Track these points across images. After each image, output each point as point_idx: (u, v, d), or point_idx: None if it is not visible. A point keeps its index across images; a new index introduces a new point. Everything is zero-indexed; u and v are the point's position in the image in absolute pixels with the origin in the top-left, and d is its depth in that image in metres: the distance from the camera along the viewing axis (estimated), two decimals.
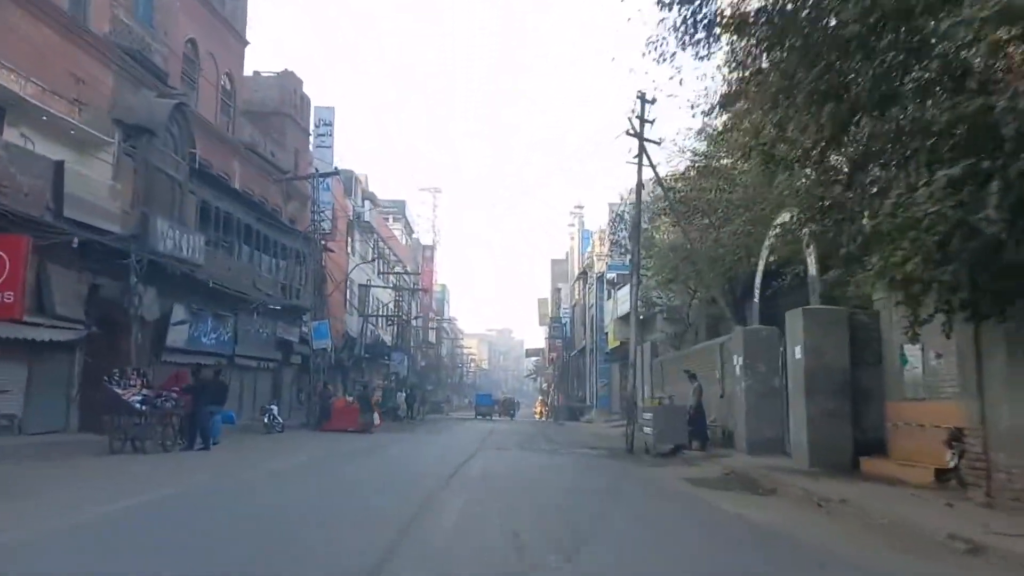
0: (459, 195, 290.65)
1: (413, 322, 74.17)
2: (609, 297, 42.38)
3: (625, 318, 36.77)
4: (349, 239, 47.50)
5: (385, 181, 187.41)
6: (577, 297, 56.53)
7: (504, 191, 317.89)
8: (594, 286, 44.42)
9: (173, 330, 23.80)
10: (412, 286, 58.84)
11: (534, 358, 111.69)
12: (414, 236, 79.24)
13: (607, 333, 42.26)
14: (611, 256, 35.89)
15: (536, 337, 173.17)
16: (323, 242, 34.87)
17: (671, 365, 27.76)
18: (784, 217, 16.90)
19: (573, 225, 66.32)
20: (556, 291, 73.84)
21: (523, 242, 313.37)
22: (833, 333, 14.44)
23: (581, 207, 60.78)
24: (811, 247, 15.42)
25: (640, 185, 20.15)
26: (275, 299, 30.03)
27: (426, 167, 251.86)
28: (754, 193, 18.94)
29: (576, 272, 59.51)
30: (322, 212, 34.99)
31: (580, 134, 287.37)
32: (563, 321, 54.08)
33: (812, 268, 15.50)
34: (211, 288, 25.33)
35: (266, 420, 24.92)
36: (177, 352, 24.11)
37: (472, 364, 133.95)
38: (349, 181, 48.03)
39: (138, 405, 15.40)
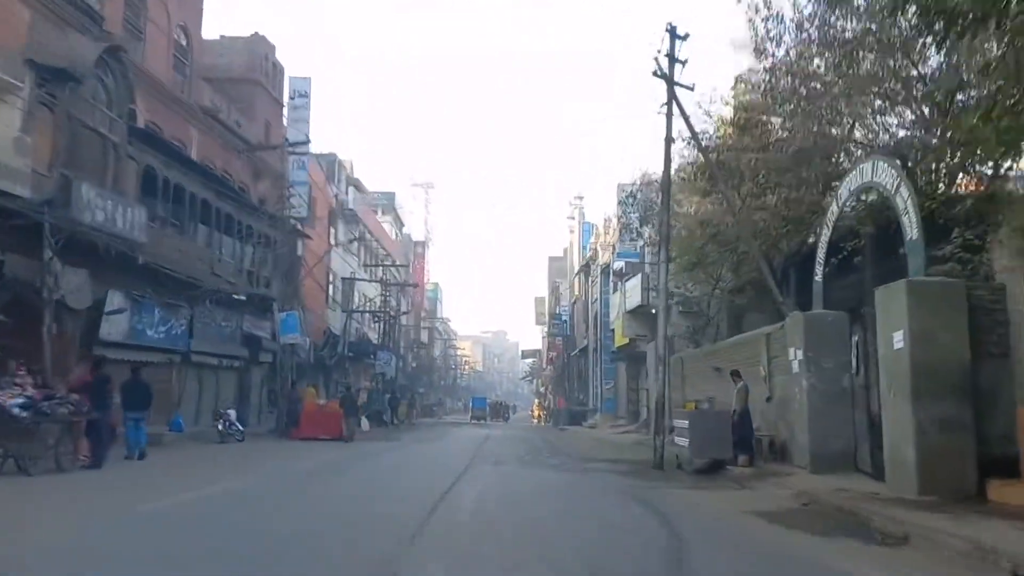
0: (453, 192, 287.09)
1: (403, 320, 70.51)
2: (615, 290, 38.63)
3: (636, 311, 33.09)
4: (332, 230, 43.78)
5: (374, 174, 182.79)
6: (577, 293, 52.78)
7: (500, 187, 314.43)
8: (598, 279, 40.71)
9: (108, 321, 19.98)
10: (401, 281, 55.02)
11: (530, 359, 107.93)
12: (405, 231, 75.47)
13: (613, 330, 38.51)
14: (621, 241, 32.22)
15: (532, 338, 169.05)
16: (297, 226, 31.07)
17: (694, 363, 24.04)
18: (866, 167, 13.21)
19: (573, 218, 62.59)
20: (555, 288, 70.12)
21: (519, 242, 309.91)
22: (947, 314, 10.73)
23: (581, 198, 57.12)
24: (908, 198, 11.72)
25: (669, 139, 16.39)
26: (239, 288, 26.19)
27: (418, 161, 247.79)
28: (814, 143, 15.26)
29: (576, 267, 55.77)
30: (297, 193, 31.21)
31: (581, 117, 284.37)
32: (563, 318, 50.25)
33: (911, 227, 11.75)
34: (158, 272, 21.55)
35: (220, 427, 21.11)
36: (115, 347, 20.29)
37: (466, 366, 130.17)
38: (332, 166, 44.29)
39: (17, 411, 11.58)
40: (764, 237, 17.77)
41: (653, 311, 32.32)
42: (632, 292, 32.56)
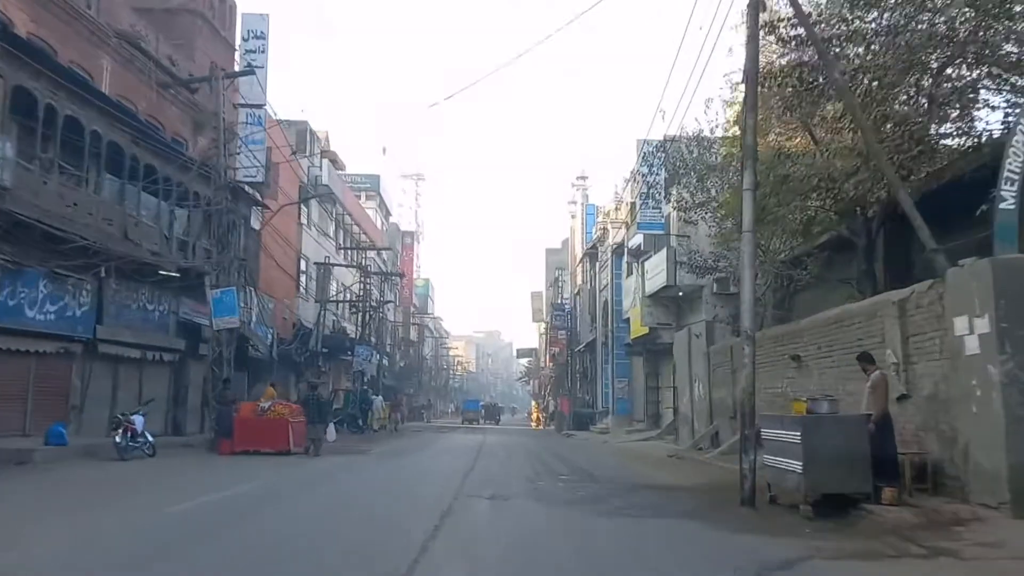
0: (444, 185, 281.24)
1: (390, 315, 64.94)
2: (629, 274, 33.14)
3: (658, 295, 27.64)
4: (304, 209, 38.26)
5: (359, 163, 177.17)
6: (581, 283, 47.27)
7: (493, 178, 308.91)
8: (608, 262, 35.23)
9: None
10: (386, 269, 49.46)
11: (526, 359, 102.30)
12: (392, 220, 69.90)
13: (627, 320, 33.04)
14: (644, 208, 26.71)
15: (528, 336, 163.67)
16: (247, 189, 25.51)
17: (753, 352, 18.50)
18: None
19: (575, 203, 57.13)
20: (554, 280, 64.64)
21: (513, 239, 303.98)
22: None
23: (584, 178, 51.68)
24: None
25: (756, 16, 10.77)
26: (165, 260, 20.57)
27: (407, 152, 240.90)
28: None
29: (580, 253, 50.25)
30: (251, 154, 25.62)
31: (582, 90, 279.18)
32: (565, 308, 44.56)
33: None
34: (37, 230, 15.98)
35: (118, 439, 15.52)
36: None
37: (459, 367, 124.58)
38: (304, 135, 38.69)
39: None
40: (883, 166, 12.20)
41: (681, 292, 26.90)
42: (654, 272, 27.08)
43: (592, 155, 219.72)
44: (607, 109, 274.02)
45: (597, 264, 39.10)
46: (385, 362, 63.63)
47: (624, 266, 34.28)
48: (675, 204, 23.20)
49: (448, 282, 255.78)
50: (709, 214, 21.49)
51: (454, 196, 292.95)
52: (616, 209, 35.72)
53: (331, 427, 20.20)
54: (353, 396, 36.23)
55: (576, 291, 44.92)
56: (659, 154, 23.73)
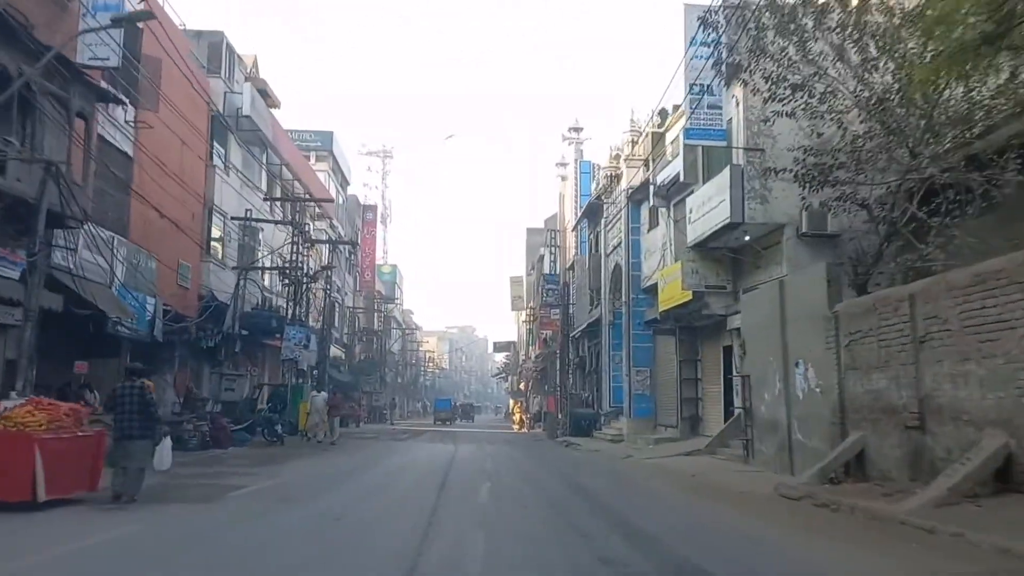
0: (414, 169, 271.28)
1: (348, 300, 55.86)
2: (654, 225, 24.47)
3: (708, 245, 18.93)
4: (221, 149, 29.21)
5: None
6: (576, 255, 38.48)
7: (467, 155, 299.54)
8: (622, 215, 26.34)
9: None
10: (333, 236, 40.40)
11: (503, 353, 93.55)
12: (350, 193, 60.70)
13: (651, 289, 24.37)
14: (692, 117, 17.86)
15: (507, 329, 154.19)
16: (89, 77, 16.39)
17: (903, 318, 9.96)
18: None
19: (564, 164, 48.38)
20: (539, 259, 55.85)
21: (489, 230, 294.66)
22: None
23: (579, 129, 42.78)
24: None
25: None
26: None
27: (373, 127, 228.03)
28: None
29: (573, 219, 41.49)
30: (96, 20, 16.49)
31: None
32: (556, 279, 35.34)
33: None
34: None
35: None
36: None
37: (430, 363, 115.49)
38: (218, 49, 29.55)
39: None
40: None
41: (747, 236, 18.21)
42: (704, 208, 18.34)
43: (584, 109, 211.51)
44: (596, 61, 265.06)
45: (603, 222, 30.28)
46: (341, 354, 54.66)
47: (644, 216, 25.54)
48: (755, 88, 14.46)
49: (419, 274, 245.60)
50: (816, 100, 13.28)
51: (425, 181, 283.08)
52: (632, 142, 26.93)
53: (165, 445, 11.34)
54: (281, 393, 27.21)
55: (569, 265, 36.16)
56: (727, 13, 15.03)
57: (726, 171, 17.39)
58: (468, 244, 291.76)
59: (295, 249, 29.57)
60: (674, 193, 21.94)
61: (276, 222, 30.17)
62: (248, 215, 29.33)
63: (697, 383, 22.31)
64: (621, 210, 27.05)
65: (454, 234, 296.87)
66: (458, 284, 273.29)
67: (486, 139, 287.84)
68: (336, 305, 54.60)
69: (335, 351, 53.17)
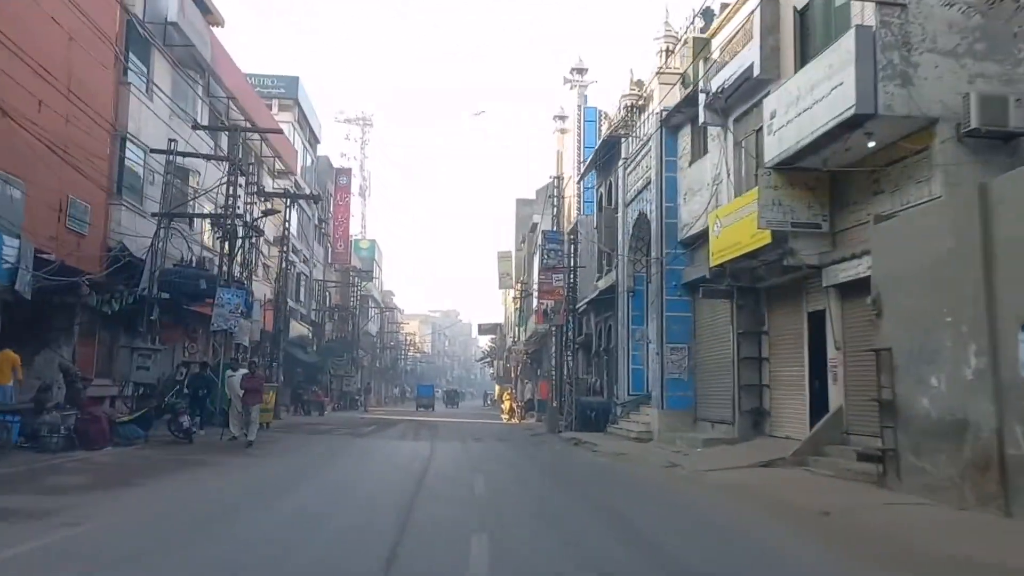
0: (394, 143, 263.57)
1: (317, 273, 49.55)
2: (701, 154, 18.44)
3: (798, 163, 12.84)
4: (143, 68, 23.13)
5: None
6: (579, 214, 32.38)
7: (452, 133, 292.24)
8: (653, 148, 20.00)
9: None
10: (291, 189, 34.12)
11: (488, 336, 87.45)
12: (321, 154, 54.17)
13: (687, 244, 18.35)
14: None
15: (493, 311, 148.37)
16: None
17: None
18: None
19: (565, 117, 42.42)
20: (532, 228, 49.88)
21: (475, 209, 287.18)
22: None
23: (583, 70, 36.56)
24: None
25: None
26: None
27: (352, 92, 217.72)
28: None
29: (576, 175, 35.49)
30: None
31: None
32: (558, 237, 28.62)
33: None
34: None
35: None
36: None
37: (411, 348, 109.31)
38: None
39: None
40: None
41: (872, 142, 12.13)
42: (799, 108, 12.24)
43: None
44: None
45: (619, 167, 24.11)
46: (308, 332, 48.38)
47: (684, 145, 19.43)
48: None
49: (402, 256, 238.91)
50: None
51: (409, 165, 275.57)
52: (666, 50, 20.78)
53: None
54: (206, 376, 20.94)
55: (569, 230, 29.93)
56: None
57: (848, 38, 11.29)
58: (453, 227, 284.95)
59: (231, 190, 23.19)
60: (737, 102, 15.87)
61: (211, 157, 23.76)
62: (172, 147, 22.98)
63: (761, 364, 16.32)
64: (648, 143, 20.92)
65: (439, 217, 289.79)
66: (442, 265, 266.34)
67: (475, 128, 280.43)
68: (303, 277, 48.37)
69: (299, 328, 46.95)
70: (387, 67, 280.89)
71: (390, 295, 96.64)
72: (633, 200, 22.67)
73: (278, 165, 38.83)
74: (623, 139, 23.69)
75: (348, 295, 59.51)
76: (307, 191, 47.89)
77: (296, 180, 43.35)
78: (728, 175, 16.38)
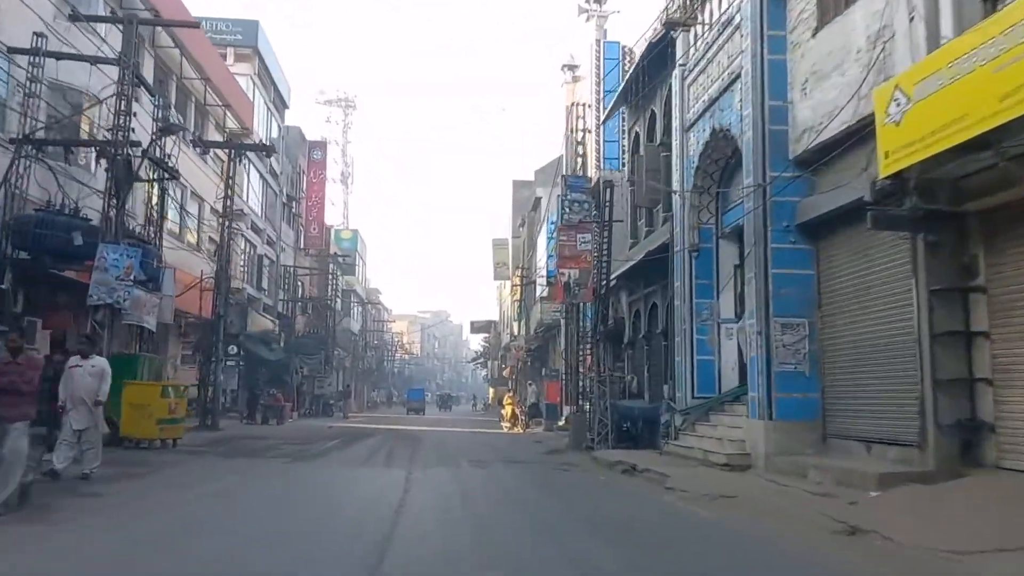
0: (380, 129, 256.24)
1: (287, 258, 42.43)
2: (828, 21, 11.39)
3: None
4: None
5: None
6: (599, 168, 25.45)
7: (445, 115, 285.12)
8: (747, 28, 13.08)
9: None
10: (266, 169, 27.03)
11: (482, 335, 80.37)
12: (289, 123, 47.00)
13: (813, 152, 11.26)
14: None
15: (485, 309, 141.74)
16: None
17: None
18: None
19: (576, 67, 35.63)
20: (534, 203, 43.02)
21: (465, 205, 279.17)
22: None
23: (600, 0, 29.69)
24: None
25: None
26: None
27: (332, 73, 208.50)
28: None
29: (591, 124, 28.67)
30: None
31: None
32: (587, 185, 21.24)
33: None
34: None
35: None
36: None
37: (401, 350, 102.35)
38: None
39: None
40: None
41: None
42: None
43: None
44: None
45: (673, 79, 17.08)
46: (273, 325, 41.28)
47: (803, 7, 12.44)
48: None
49: (391, 254, 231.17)
50: None
51: (398, 152, 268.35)
52: None
53: None
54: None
55: (592, 184, 22.73)
56: None
57: None
58: (444, 225, 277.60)
59: (122, 105, 16.10)
60: None
61: (95, 60, 16.63)
62: (40, 43, 15.95)
63: (972, 344, 9.40)
64: (735, 22, 13.95)
65: (430, 211, 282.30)
66: (432, 263, 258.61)
67: (469, 123, 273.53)
68: (267, 262, 41.31)
69: (263, 321, 39.87)
70: (379, 61, 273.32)
71: (376, 292, 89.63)
72: (700, 117, 15.69)
73: (230, 124, 31.80)
74: (681, 32, 16.71)
75: (327, 287, 52.36)
76: (276, 167, 40.99)
77: (257, 142, 36.39)
78: (914, 16, 9.47)
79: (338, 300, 58.92)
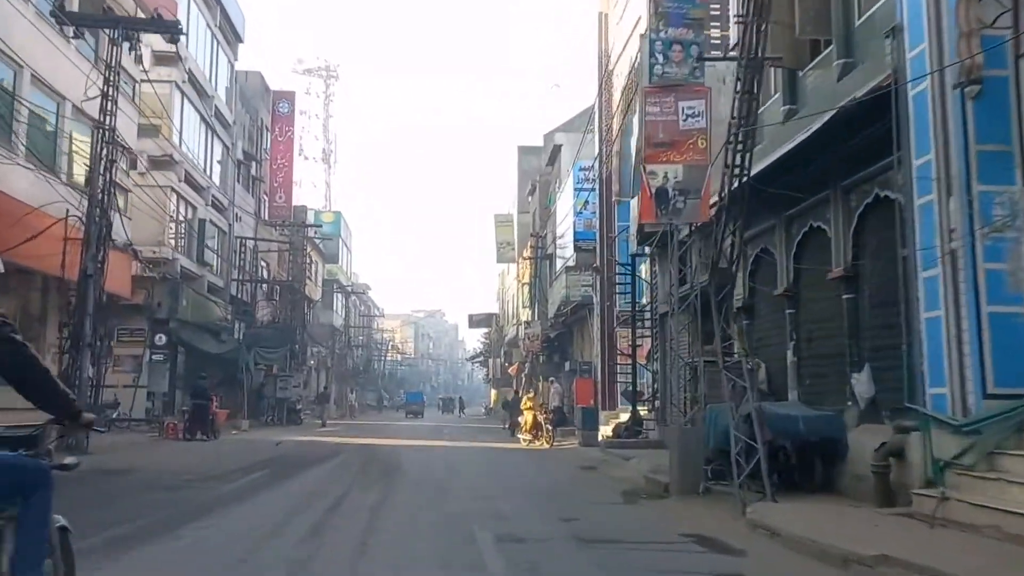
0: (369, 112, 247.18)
1: (229, 223, 33.56)
2: None
3: None
4: None
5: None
6: (636, 112, 16.65)
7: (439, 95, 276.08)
8: None
9: None
10: (208, 112, 18.11)
11: (482, 330, 71.48)
12: (249, 67, 38.05)
13: None
14: None
15: (483, 305, 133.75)
16: None
17: None
18: None
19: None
20: (554, 151, 34.39)
21: (462, 197, 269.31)
22: None
23: None
24: None
25: None
26: None
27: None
28: None
29: (642, 27, 19.74)
30: None
31: None
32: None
33: None
34: None
35: None
36: None
37: (393, 351, 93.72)
38: None
39: None
40: None
41: None
42: None
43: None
44: None
45: None
46: (223, 312, 32.51)
47: None
48: None
49: (379, 247, 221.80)
50: None
51: (391, 144, 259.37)
52: None
53: None
54: None
55: (643, 122, 14.16)
56: None
57: None
58: (439, 221, 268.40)
59: None
60: None
61: None
62: None
63: None
64: None
65: (424, 205, 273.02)
66: (427, 260, 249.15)
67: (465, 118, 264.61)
68: (214, 229, 32.54)
69: (208, 306, 31.12)
70: (364, 34, 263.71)
71: (365, 288, 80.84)
72: None
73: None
74: None
75: (295, 267, 43.37)
76: (217, 104, 32.17)
77: (186, 69, 27.62)
78: None
79: (315, 287, 50.27)
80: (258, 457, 16.07)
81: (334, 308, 59.76)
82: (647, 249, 18.05)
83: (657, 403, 18.78)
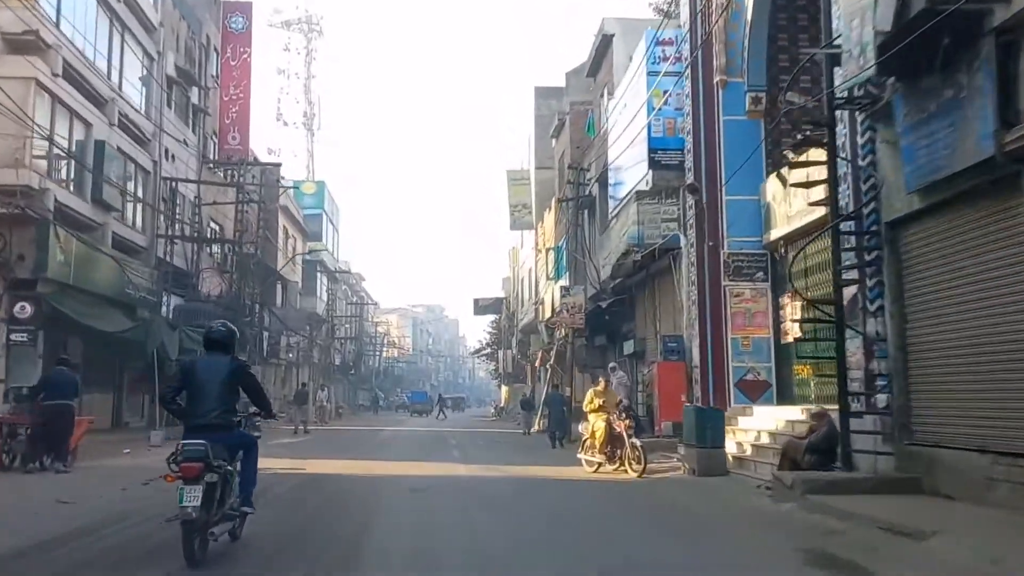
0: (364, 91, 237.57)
1: (162, 161, 23.99)
2: None
3: None
4: None
5: None
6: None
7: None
8: None
9: None
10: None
11: (490, 318, 61.78)
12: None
13: None
14: None
15: (490, 283, 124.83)
16: None
17: None
18: None
19: None
20: (606, 43, 24.96)
21: (463, 190, 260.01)
22: None
23: None
24: None
25: None
26: None
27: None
28: None
29: None
30: None
31: None
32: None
33: None
34: None
35: None
36: None
37: (391, 348, 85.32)
38: None
39: None
40: None
41: None
42: None
43: None
44: None
45: None
46: (149, 281, 23.02)
47: None
48: None
49: (376, 242, 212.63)
50: None
51: (392, 128, 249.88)
52: None
53: None
54: None
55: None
56: None
57: None
58: (437, 212, 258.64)
59: None
60: None
61: None
62: None
63: None
64: None
65: (421, 195, 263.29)
66: (423, 246, 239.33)
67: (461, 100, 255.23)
68: (129, 166, 23.16)
69: (116, 269, 21.71)
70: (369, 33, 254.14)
71: (359, 277, 71.65)
72: None
73: None
74: None
75: (264, 233, 33.68)
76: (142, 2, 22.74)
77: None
78: None
79: (293, 266, 41.00)
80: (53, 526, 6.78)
81: (317, 294, 50.45)
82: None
83: (885, 398, 9.45)
